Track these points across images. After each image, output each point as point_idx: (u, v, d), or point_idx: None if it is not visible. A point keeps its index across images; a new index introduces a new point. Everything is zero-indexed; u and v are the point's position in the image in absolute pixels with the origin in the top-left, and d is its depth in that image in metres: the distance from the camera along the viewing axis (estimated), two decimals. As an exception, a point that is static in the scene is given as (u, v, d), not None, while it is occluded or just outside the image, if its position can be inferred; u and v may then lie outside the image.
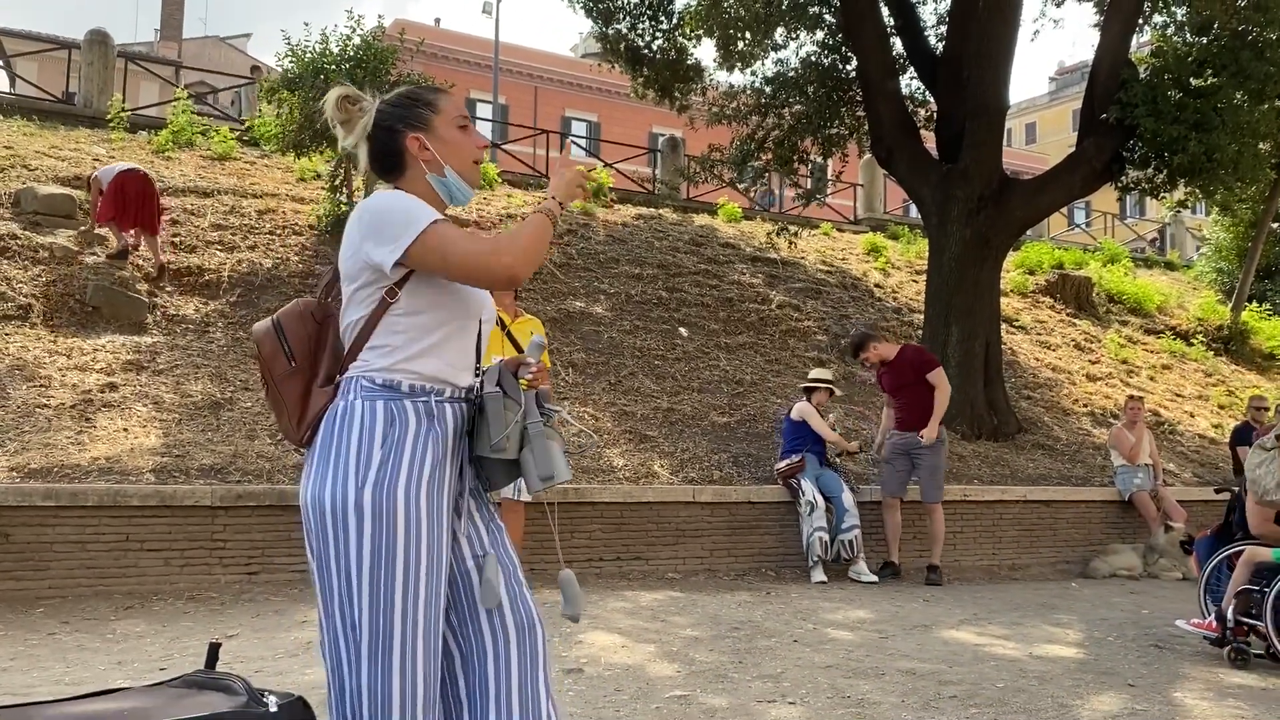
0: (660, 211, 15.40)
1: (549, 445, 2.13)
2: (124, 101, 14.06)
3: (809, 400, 8.14)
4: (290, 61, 10.61)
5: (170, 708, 1.81)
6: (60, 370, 7.53)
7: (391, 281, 2.10)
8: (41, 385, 7.27)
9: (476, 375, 2.22)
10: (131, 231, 9.39)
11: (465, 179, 2.26)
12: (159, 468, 6.46)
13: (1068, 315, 14.94)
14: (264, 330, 2.23)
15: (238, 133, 13.72)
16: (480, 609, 2.13)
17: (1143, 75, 10.43)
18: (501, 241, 2.09)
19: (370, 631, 1.96)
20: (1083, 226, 27.77)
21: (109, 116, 12.85)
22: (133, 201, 9.24)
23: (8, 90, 17.09)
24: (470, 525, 2.21)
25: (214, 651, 2.09)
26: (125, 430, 6.93)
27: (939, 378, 7.91)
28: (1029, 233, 16.25)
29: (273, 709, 1.88)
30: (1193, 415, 12.63)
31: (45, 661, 4.54)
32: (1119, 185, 11.01)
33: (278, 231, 10.74)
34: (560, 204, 2.23)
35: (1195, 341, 15.24)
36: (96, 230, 9.59)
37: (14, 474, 6.09)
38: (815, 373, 8.50)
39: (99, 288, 8.62)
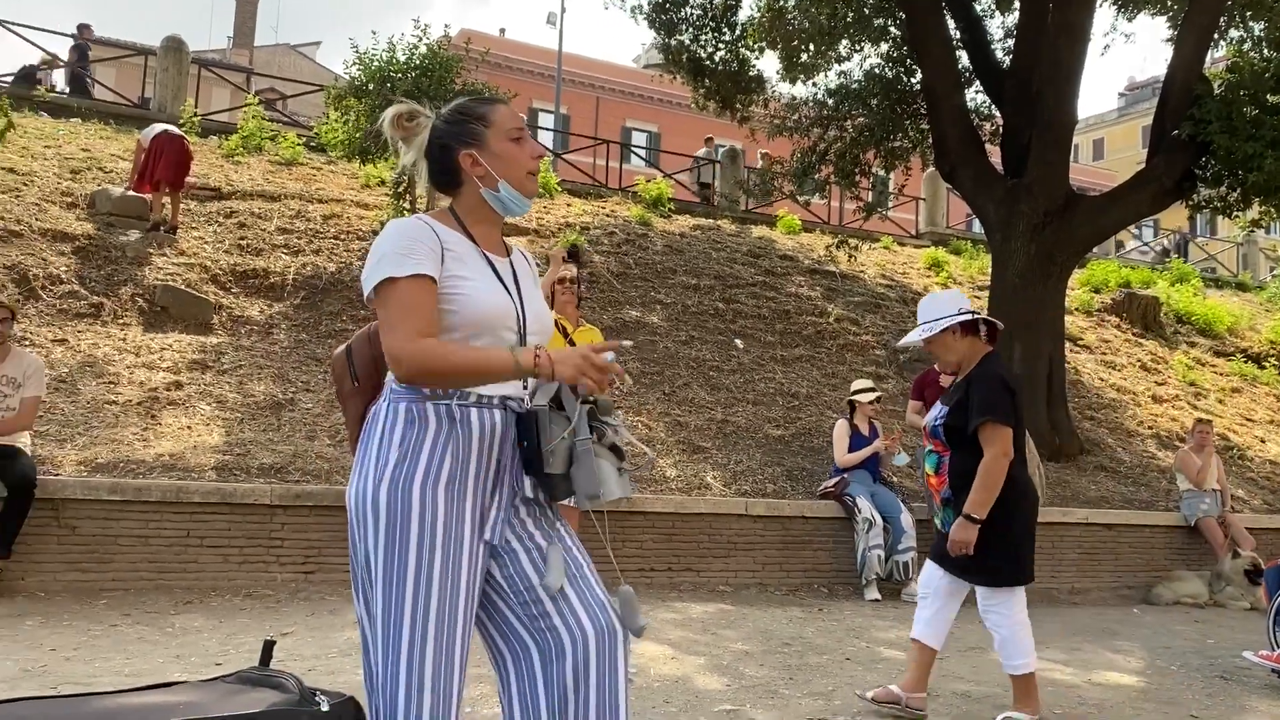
0: (718, 222, 15.37)
1: (597, 464, 2.10)
2: (196, 106, 14.40)
3: (850, 416, 8.08)
4: (358, 69, 10.79)
5: (223, 703, 1.83)
6: (128, 368, 7.71)
7: None
8: (110, 382, 7.45)
9: (525, 386, 2.20)
10: (165, 194, 9.99)
11: (520, 191, 2.25)
12: (220, 465, 6.58)
13: (1134, 335, 14.61)
14: (338, 353, 2.37)
15: (305, 138, 13.98)
16: (556, 617, 2.12)
17: (1217, 91, 10.17)
18: (422, 345, 2.03)
19: (383, 624, 2.01)
20: (1150, 245, 27.19)
21: (182, 121, 13.16)
22: (163, 159, 9.86)
23: (86, 95, 17.55)
24: (524, 533, 2.19)
25: (268, 649, 2.12)
26: (189, 428, 7.07)
27: None
28: (1095, 250, 15.95)
29: (324, 708, 1.89)
30: (1264, 441, 12.27)
31: (106, 652, 4.63)
32: (1190, 203, 10.75)
33: (342, 236, 10.91)
34: (553, 368, 2.06)
35: (1268, 365, 14.81)
36: (131, 193, 10.16)
37: (82, 468, 6.24)
38: (855, 385, 8.38)
39: (167, 288, 8.82)
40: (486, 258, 2.22)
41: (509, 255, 2.33)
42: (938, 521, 4.35)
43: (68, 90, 16.51)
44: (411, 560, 2.02)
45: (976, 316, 4.22)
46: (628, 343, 2.36)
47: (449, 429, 2.11)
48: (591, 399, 2.19)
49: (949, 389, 4.36)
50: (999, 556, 4.07)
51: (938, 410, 4.32)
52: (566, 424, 2.11)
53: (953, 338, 4.21)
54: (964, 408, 4.12)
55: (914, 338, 4.24)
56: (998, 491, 4.02)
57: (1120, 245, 24.25)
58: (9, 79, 15.25)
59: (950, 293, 4.37)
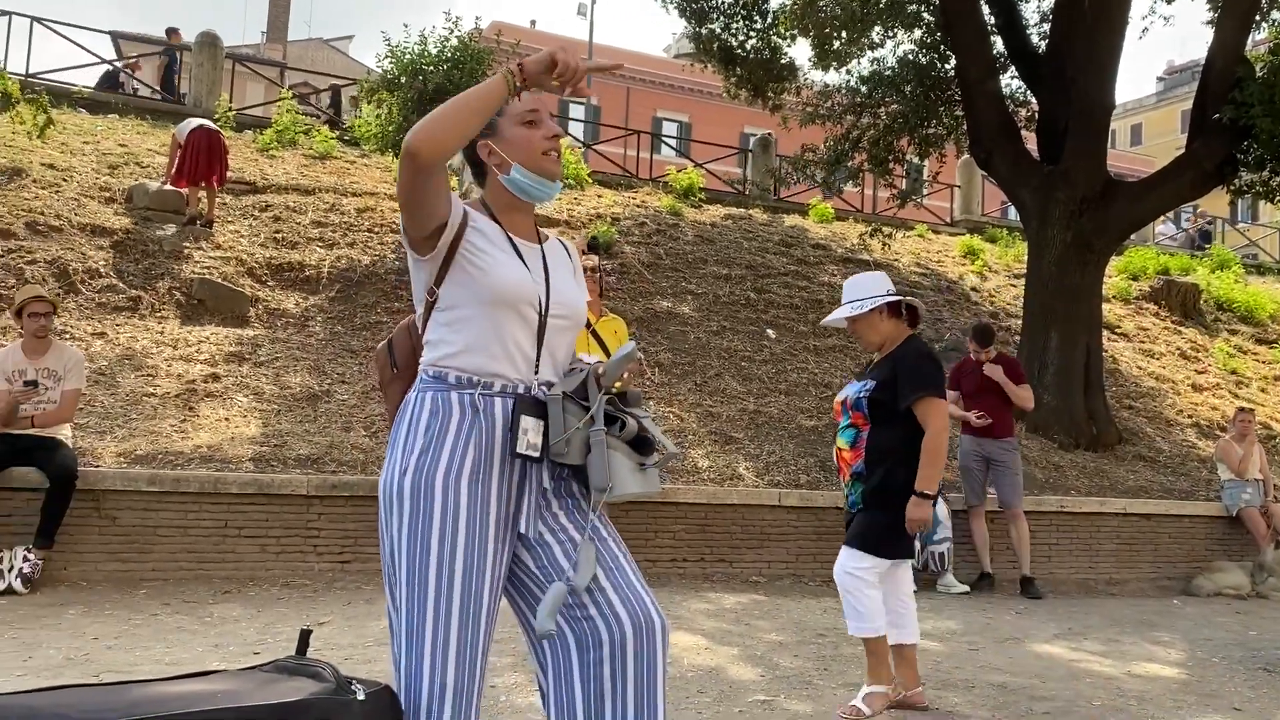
0: (750, 212, 15.31)
1: (610, 456, 2.08)
2: (231, 101, 14.53)
3: None
4: (390, 62, 10.83)
5: (260, 691, 1.84)
6: (166, 360, 7.81)
7: (430, 280, 2.17)
8: (149, 374, 7.55)
9: (537, 370, 2.18)
10: (201, 188, 10.05)
11: (535, 173, 2.23)
12: (257, 457, 6.65)
13: (1173, 323, 14.40)
14: (380, 345, 2.41)
15: (338, 132, 14.07)
16: (592, 608, 2.10)
17: (1259, 74, 9.98)
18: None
19: (406, 613, 2.03)
20: (1186, 228, 26.75)
21: (216, 116, 13.28)
22: (200, 154, 9.93)
23: (123, 90, 17.79)
24: (556, 525, 2.18)
25: (305, 638, 2.13)
26: (226, 420, 7.14)
27: (1028, 392, 7.96)
28: (1133, 237, 15.73)
29: (360, 697, 1.90)
30: (1307, 429, 12.06)
31: (146, 641, 4.70)
32: (1231, 188, 10.57)
33: (376, 229, 10.97)
34: (522, 69, 2.05)
35: (1311, 352, 14.54)
36: (168, 187, 10.22)
37: (121, 459, 6.32)
38: None
39: (204, 281, 8.92)
40: (512, 243, 2.23)
41: (541, 243, 2.32)
42: (847, 500, 4.29)
43: (159, 95, 16.74)
44: (434, 553, 2.03)
45: (902, 298, 4.21)
46: (631, 345, 2.35)
47: (473, 419, 2.11)
48: (612, 390, 2.17)
49: (873, 365, 4.31)
50: (885, 527, 4.06)
51: (860, 384, 4.26)
52: (582, 414, 2.11)
53: (879, 318, 4.19)
54: (890, 384, 4.08)
55: (840, 315, 4.23)
56: (943, 464, 4.01)
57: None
58: (51, 76, 15.41)
59: (875, 274, 4.35)
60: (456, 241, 2.15)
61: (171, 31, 18.69)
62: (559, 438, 2.08)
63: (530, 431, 2.09)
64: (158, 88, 17.29)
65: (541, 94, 2.24)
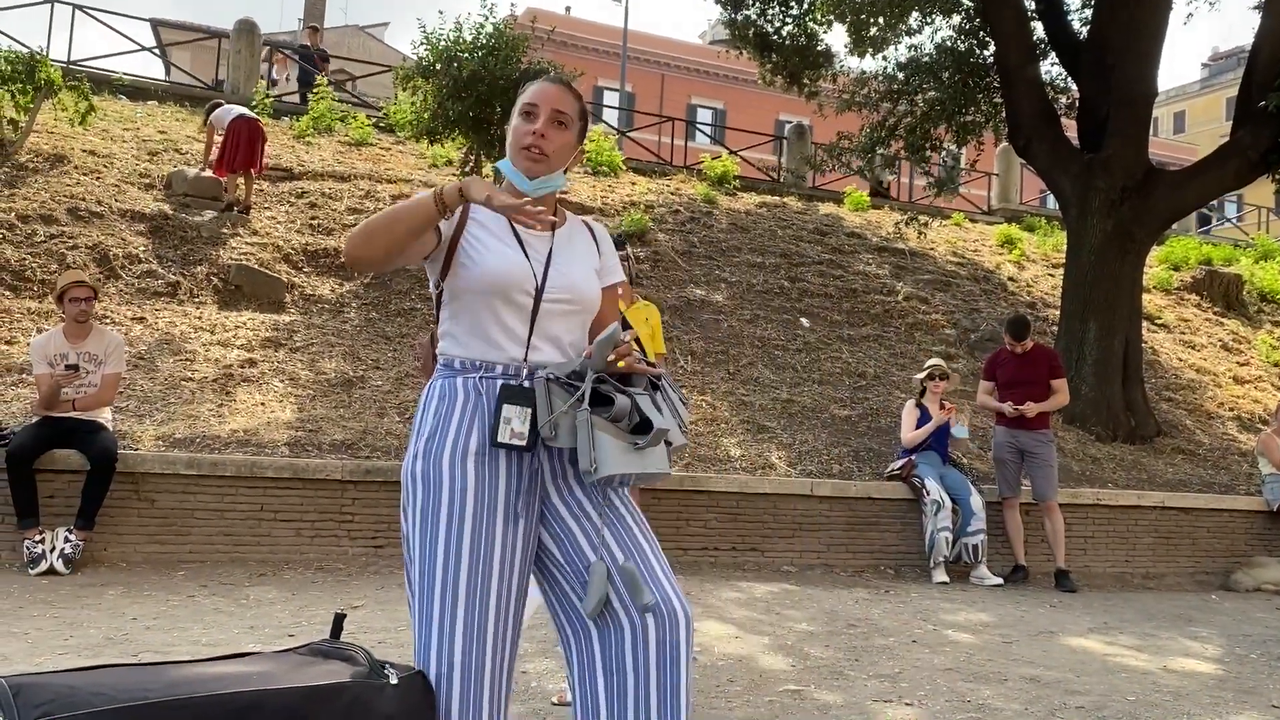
0: (785, 199, 15.22)
1: (596, 436, 2.06)
2: (268, 88, 14.61)
3: (920, 397, 7.95)
4: (425, 50, 10.86)
5: (295, 674, 1.86)
6: (204, 345, 7.90)
7: (438, 276, 2.25)
8: (187, 359, 7.64)
9: (526, 355, 2.19)
10: (240, 176, 10.19)
11: (517, 167, 2.24)
12: (293, 441, 6.71)
13: (1215, 314, 14.17)
14: (424, 339, 2.50)
15: (374, 119, 14.14)
16: (614, 597, 2.10)
17: (1308, 60, 9.79)
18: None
19: (417, 593, 2.07)
20: (1234, 221, 26.33)
21: (254, 103, 13.37)
22: (242, 143, 10.05)
23: (163, 78, 17.98)
24: (579, 512, 2.18)
25: (339, 621, 2.15)
26: (262, 404, 7.22)
27: (1064, 387, 7.94)
28: (1175, 227, 15.48)
29: (393, 681, 1.92)
30: (1352, 423, 11.83)
31: (184, 622, 4.77)
32: (1276, 178, 10.39)
33: (409, 215, 11.01)
34: (460, 192, 2.06)
35: (1357, 345, 14.26)
36: (206, 174, 10.37)
37: (160, 443, 6.41)
38: (929, 363, 8.26)
39: (241, 267, 9.01)
40: (515, 231, 2.26)
41: (555, 228, 2.31)
42: None
43: (299, 98, 16.57)
44: (442, 535, 2.06)
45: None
46: (627, 334, 2.31)
47: (475, 401, 2.15)
48: (602, 372, 2.15)
49: None
50: None
51: None
52: (570, 396, 2.10)
53: None
54: None
55: None
56: None
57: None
58: (92, 63, 15.58)
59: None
60: (456, 240, 2.22)
61: (312, 30, 18.71)
62: (545, 421, 2.09)
63: (515, 420, 2.10)
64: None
65: (551, 87, 2.27)
